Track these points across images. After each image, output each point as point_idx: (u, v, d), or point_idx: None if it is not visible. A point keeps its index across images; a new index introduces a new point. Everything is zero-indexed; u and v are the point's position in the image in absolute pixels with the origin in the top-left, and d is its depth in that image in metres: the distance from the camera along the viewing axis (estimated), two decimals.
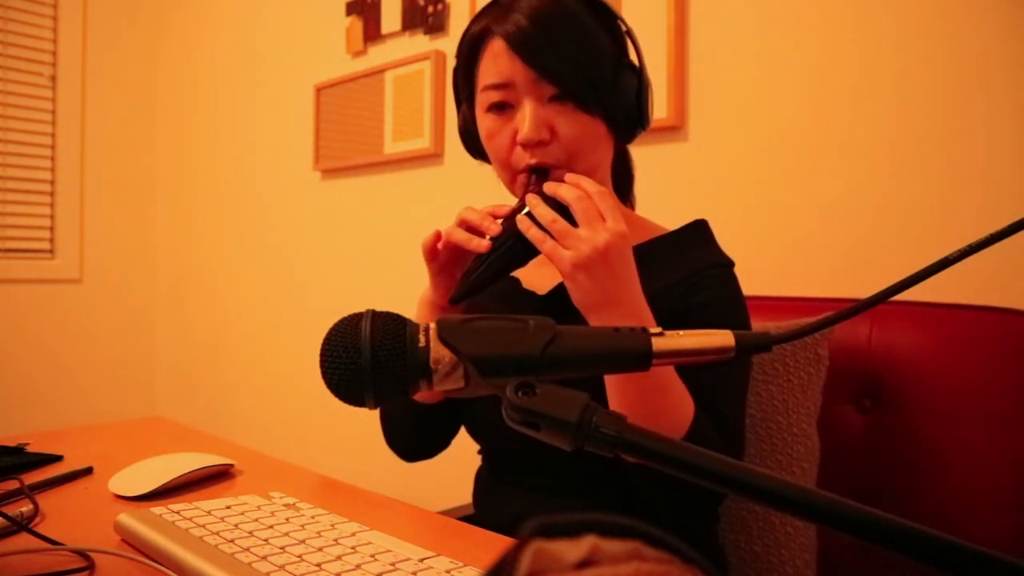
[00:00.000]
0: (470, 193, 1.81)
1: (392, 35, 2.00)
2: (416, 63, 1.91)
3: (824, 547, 0.96)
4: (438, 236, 0.79)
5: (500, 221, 0.76)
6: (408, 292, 2.18)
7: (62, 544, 0.62)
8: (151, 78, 2.92)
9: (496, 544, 0.68)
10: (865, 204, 1.20)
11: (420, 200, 1.96)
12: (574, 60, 0.79)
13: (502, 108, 0.82)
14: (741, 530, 0.96)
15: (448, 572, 0.56)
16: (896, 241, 1.17)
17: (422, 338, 0.43)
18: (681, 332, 0.43)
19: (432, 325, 0.44)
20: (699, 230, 0.91)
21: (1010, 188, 1.07)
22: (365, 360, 0.42)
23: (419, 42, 1.93)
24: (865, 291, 0.44)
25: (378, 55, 2.04)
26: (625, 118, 0.84)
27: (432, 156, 1.90)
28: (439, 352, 0.42)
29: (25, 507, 0.71)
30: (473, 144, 0.91)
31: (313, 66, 2.24)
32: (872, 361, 0.99)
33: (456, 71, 0.90)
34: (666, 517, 0.78)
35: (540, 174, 0.81)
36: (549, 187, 0.74)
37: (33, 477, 0.83)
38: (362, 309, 0.45)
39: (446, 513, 0.88)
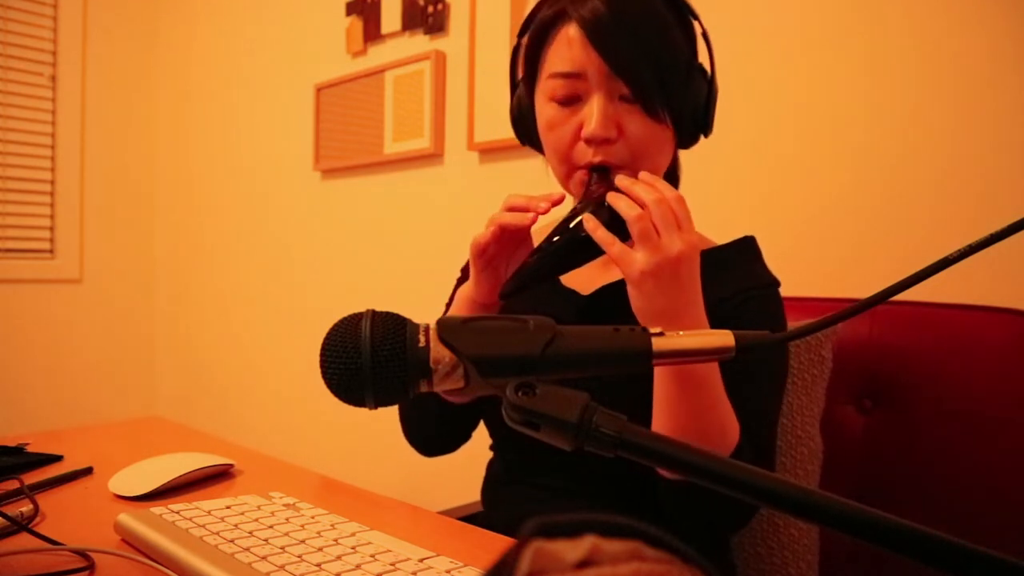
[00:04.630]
0: (470, 193, 1.81)
1: (392, 35, 2.00)
2: (416, 63, 1.91)
3: (826, 548, 0.96)
4: (494, 235, 0.76)
5: (560, 219, 0.74)
6: (408, 292, 2.18)
7: (62, 544, 0.62)
8: (151, 78, 2.92)
9: (496, 544, 0.68)
10: (865, 204, 1.20)
11: (420, 200, 1.96)
12: (649, 57, 0.75)
13: (568, 100, 0.78)
14: (745, 532, 0.96)
15: (448, 572, 0.56)
16: (896, 241, 1.17)
17: (422, 338, 0.43)
18: (681, 332, 0.43)
19: (432, 325, 0.43)
20: (748, 246, 0.90)
21: (1010, 188, 1.07)
22: (365, 360, 0.42)
23: (419, 42, 1.93)
24: (865, 291, 0.44)
25: (378, 55, 2.04)
26: (691, 124, 0.81)
27: (432, 156, 1.90)
28: (439, 352, 0.42)
29: (25, 507, 0.71)
30: (525, 129, 0.87)
31: (313, 66, 2.24)
32: (872, 361, 0.99)
33: (517, 50, 0.86)
34: (695, 532, 0.78)
35: (601, 173, 0.77)
36: (623, 182, 0.71)
37: (33, 477, 0.83)
38: (362, 309, 0.45)
39: (446, 513, 0.88)
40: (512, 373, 0.40)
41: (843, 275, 1.22)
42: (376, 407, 0.44)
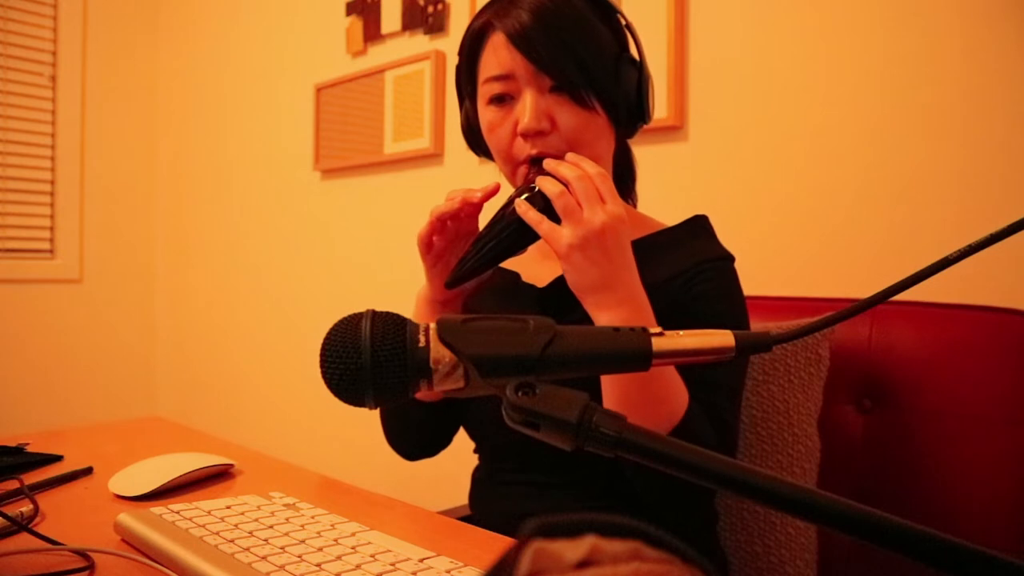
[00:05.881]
0: None
1: (392, 35, 2.00)
2: (416, 63, 1.91)
3: (824, 547, 0.96)
4: (432, 226, 0.81)
5: (502, 206, 0.77)
6: (408, 292, 2.18)
7: (62, 544, 0.62)
8: (151, 78, 2.92)
9: (496, 544, 0.68)
10: (865, 204, 1.21)
11: (420, 200, 1.96)
12: (574, 54, 0.79)
13: (503, 100, 0.83)
14: (742, 530, 0.96)
15: (448, 572, 0.56)
16: (896, 241, 1.17)
17: (422, 338, 0.43)
18: (681, 332, 0.43)
19: (432, 325, 0.43)
20: (700, 225, 0.92)
21: (1011, 188, 1.07)
22: (365, 360, 0.42)
23: (419, 42, 1.93)
24: (865, 291, 0.44)
25: (378, 55, 2.04)
26: (626, 112, 0.84)
27: (432, 156, 1.90)
28: (439, 352, 0.42)
29: (25, 507, 0.71)
30: (476, 140, 0.91)
31: (313, 66, 2.24)
32: (872, 361, 0.99)
33: (459, 67, 0.90)
34: (659, 513, 0.79)
35: (539, 163, 0.80)
36: (549, 164, 0.75)
37: (33, 477, 0.83)
38: (362, 309, 0.45)
39: (446, 513, 0.88)
40: (512, 373, 0.40)
41: (843, 275, 1.22)
42: (376, 407, 0.44)
